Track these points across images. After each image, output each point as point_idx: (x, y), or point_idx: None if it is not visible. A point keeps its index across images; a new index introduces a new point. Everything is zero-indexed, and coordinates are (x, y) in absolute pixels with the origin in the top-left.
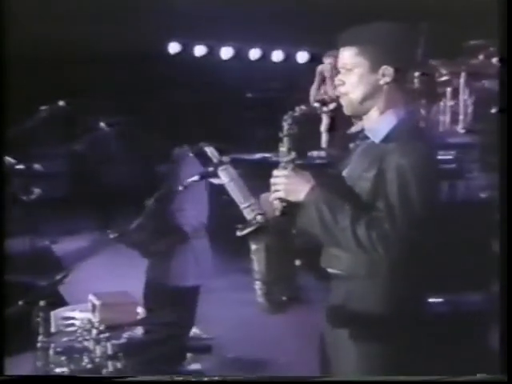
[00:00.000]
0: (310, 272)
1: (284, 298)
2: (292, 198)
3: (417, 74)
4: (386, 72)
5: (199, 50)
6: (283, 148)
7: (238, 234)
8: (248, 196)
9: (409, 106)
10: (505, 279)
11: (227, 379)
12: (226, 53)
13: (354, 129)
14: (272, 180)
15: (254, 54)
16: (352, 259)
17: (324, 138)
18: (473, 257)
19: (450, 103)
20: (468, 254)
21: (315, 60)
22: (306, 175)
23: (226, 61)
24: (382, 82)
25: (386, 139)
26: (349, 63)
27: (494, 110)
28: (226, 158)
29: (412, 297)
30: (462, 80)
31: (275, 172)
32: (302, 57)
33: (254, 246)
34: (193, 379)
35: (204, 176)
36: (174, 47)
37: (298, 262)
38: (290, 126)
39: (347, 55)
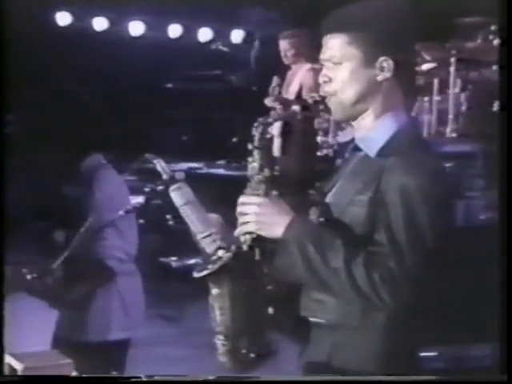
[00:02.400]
0: (286, 322)
1: (252, 355)
2: (266, 233)
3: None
4: (385, 65)
5: (99, 24)
6: (254, 163)
7: (196, 275)
8: (208, 222)
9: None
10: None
11: (226, 379)
12: (136, 28)
13: (341, 138)
14: (239, 209)
15: (174, 31)
16: (340, 306)
17: (277, 144)
18: (483, 299)
19: (436, 99)
20: (477, 294)
21: (252, 38)
22: (283, 205)
23: (136, 39)
24: (380, 78)
25: (384, 151)
26: (337, 55)
27: (495, 108)
28: (179, 174)
29: (414, 351)
30: (452, 68)
31: (243, 199)
32: (237, 36)
33: (215, 291)
34: (193, 379)
35: (151, 198)
36: (63, 18)
37: (270, 310)
38: (262, 136)
39: (335, 45)
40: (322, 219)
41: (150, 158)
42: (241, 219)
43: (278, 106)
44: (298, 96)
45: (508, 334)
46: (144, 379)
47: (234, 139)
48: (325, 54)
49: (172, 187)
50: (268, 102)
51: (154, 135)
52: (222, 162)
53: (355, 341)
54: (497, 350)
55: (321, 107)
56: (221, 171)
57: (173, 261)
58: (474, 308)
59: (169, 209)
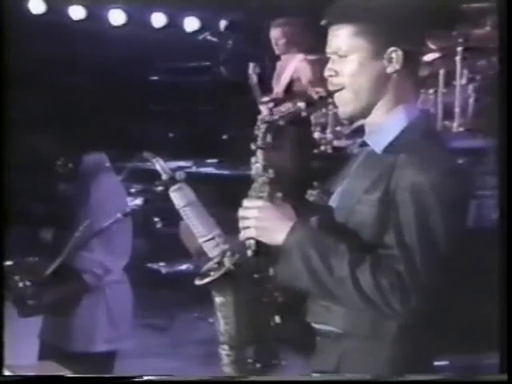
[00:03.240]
0: (293, 330)
1: (258, 366)
2: (266, 239)
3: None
4: (395, 56)
5: (76, 12)
6: (258, 164)
7: (198, 282)
8: (211, 225)
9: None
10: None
11: (224, 379)
12: (116, 17)
13: (346, 130)
14: (241, 213)
15: (158, 20)
16: (350, 313)
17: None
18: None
19: (442, 91)
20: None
21: (239, 28)
22: (287, 209)
23: (116, 28)
24: (389, 70)
25: (393, 147)
26: (344, 47)
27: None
28: (180, 174)
29: (426, 360)
30: (458, 58)
31: (246, 202)
32: (227, 25)
33: (218, 299)
34: (191, 379)
35: (149, 199)
36: (36, 5)
37: (277, 319)
38: (264, 135)
39: (341, 36)
40: (326, 222)
41: (149, 156)
42: (241, 224)
43: (268, 106)
44: (288, 88)
45: (508, 333)
46: (143, 379)
47: (225, 136)
48: (330, 47)
49: (172, 188)
50: (262, 104)
51: (138, 132)
52: (212, 160)
53: (365, 349)
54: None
55: (327, 103)
56: (211, 170)
57: (162, 266)
58: (486, 315)
59: (156, 211)
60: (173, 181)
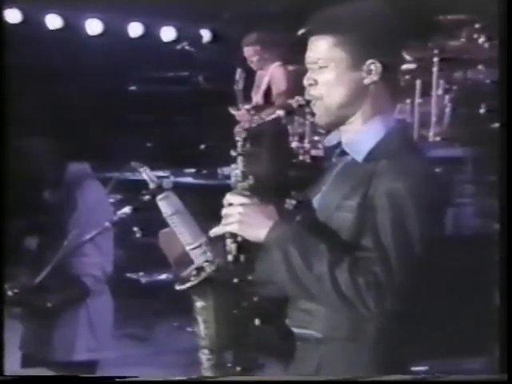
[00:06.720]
0: (273, 334)
1: (238, 369)
2: (248, 235)
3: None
4: (373, 68)
5: (53, 21)
6: (237, 171)
7: (178, 287)
8: (197, 233)
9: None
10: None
11: (214, 379)
12: (93, 26)
13: (327, 141)
14: (224, 210)
15: (135, 29)
16: (329, 316)
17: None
18: (474, 310)
19: (418, 101)
20: (468, 306)
21: (217, 38)
22: (270, 208)
23: (93, 37)
24: (367, 82)
25: (372, 156)
26: (323, 57)
27: (482, 110)
28: (167, 183)
29: (404, 364)
30: (434, 69)
31: (228, 196)
32: (206, 35)
33: (199, 304)
34: (195, 379)
35: (138, 208)
36: (12, 15)
37: (257, 322)
38: (244, 141)
39: (321, 47)
40: (307, 224)
41: (136, 166)
42: (224, 219)
43: (250, 112)
44: (266, 95)
45: (508, 332)
46: (142, 379)
47: (203, 146)
48: (310, 57)
49: (159, 196)
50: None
51: (116, 141)
52: (190, 170)
53: (344, 352)
54: (489, 363)
55: (306, 111)
56: (189, 180)
57: (141, 276)
58: (463, 318)
59: (135, 221)
60: (160, 189)
